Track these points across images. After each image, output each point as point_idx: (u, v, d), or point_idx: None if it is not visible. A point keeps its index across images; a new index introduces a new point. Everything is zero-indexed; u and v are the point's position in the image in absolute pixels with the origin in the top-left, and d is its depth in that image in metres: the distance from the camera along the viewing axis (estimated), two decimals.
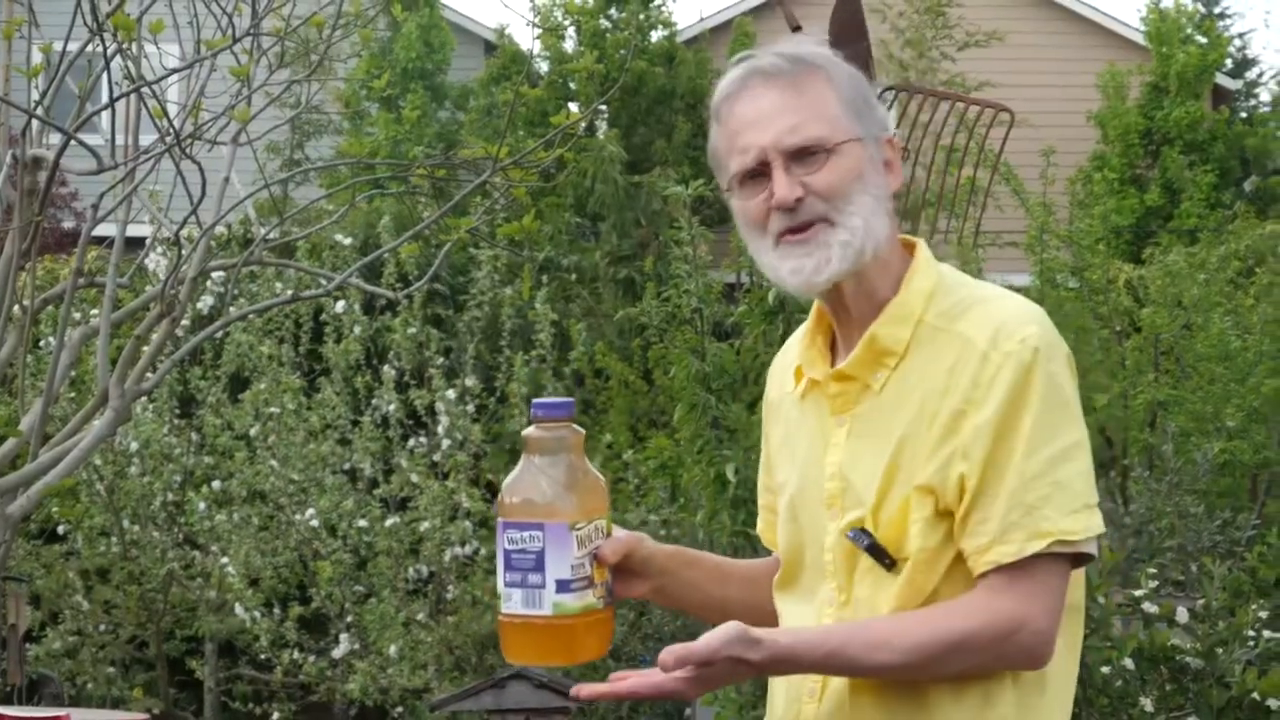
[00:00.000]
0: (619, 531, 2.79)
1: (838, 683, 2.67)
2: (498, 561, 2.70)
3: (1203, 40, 21.66)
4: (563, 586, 2.67)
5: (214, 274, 9.22)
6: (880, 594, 2.65)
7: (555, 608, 2.67)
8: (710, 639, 2.51)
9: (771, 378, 2.98)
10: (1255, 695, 5.02)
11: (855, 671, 2.60)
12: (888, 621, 2.61)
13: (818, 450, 2.76)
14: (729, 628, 2.53)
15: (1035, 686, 2.67)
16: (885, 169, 2.74)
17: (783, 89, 2.70)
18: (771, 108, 2.70)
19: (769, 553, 3.02)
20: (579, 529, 2.69)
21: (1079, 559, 2.65)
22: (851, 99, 2.72)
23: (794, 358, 2.86)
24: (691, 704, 9.65)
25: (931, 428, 2.63)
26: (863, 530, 2.65)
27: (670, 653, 2.51)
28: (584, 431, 2.77)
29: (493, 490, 12.67)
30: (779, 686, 2.79)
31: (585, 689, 2.58)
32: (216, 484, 12.19)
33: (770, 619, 2.85)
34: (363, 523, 11.72)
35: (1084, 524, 2.62)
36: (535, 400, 2.76)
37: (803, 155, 2.68)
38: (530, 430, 2.73)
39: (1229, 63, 26.45)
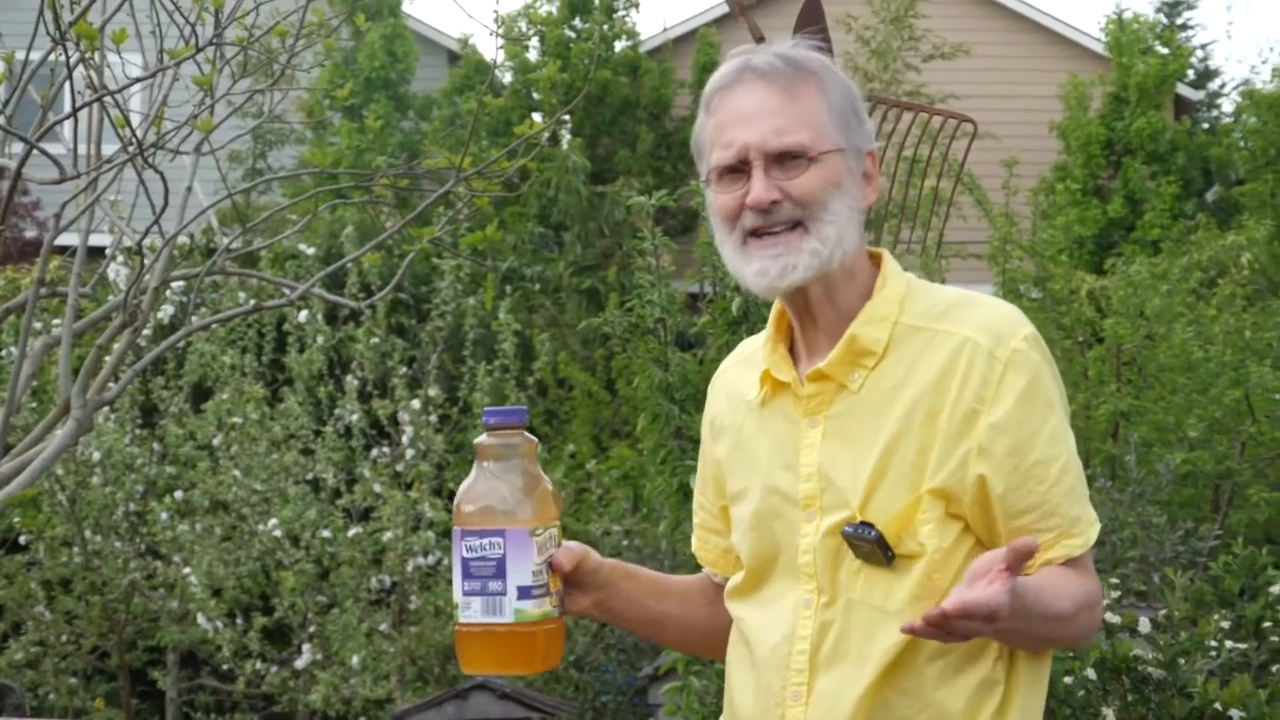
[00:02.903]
0: (568, 542, 2.78)
1: (825, 686, 2.65)
2: (454, 571, 2.68)
3: (1164, 51, 21.73)
4: (524, 593, 2.66)
5: (176, 283, 9.19)
6: (876, 590, 2.63)
7: (517, 615, 2.65)
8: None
9: (714, 395, 2.97)
10: (1217, 706, 5.03)
11: (1048, 619, 2.55)
12: (1048, 575, 2.59)
13: (786, 454, 2.75)
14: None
15: (1025, 687, 2.67)
16: (864, 181, 2.74)
17: (775, 90, 2.69)
18: (761, 107, 2.69)
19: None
20: (538, 535, 2.68)
21: None
22: (841, 109, 2.72)
23: (754, 366, 2.85)
24: (655, 713, 9.64)
25: (932, 425, 2.63)
26: (865, 523, 2.62)
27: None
28: (536, 439, 2.76)
29: None
30: (746, 688, 2.77)
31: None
32: (179, 494, 12.15)
33: (702, 637, 2.83)
34: (326, 533, 11.69)
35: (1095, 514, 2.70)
36: (488, 409, 2.75)
37: (784, 159, 2.67)
38: (483, 438, 2.72)
39: (1191, 74, 26.54)
